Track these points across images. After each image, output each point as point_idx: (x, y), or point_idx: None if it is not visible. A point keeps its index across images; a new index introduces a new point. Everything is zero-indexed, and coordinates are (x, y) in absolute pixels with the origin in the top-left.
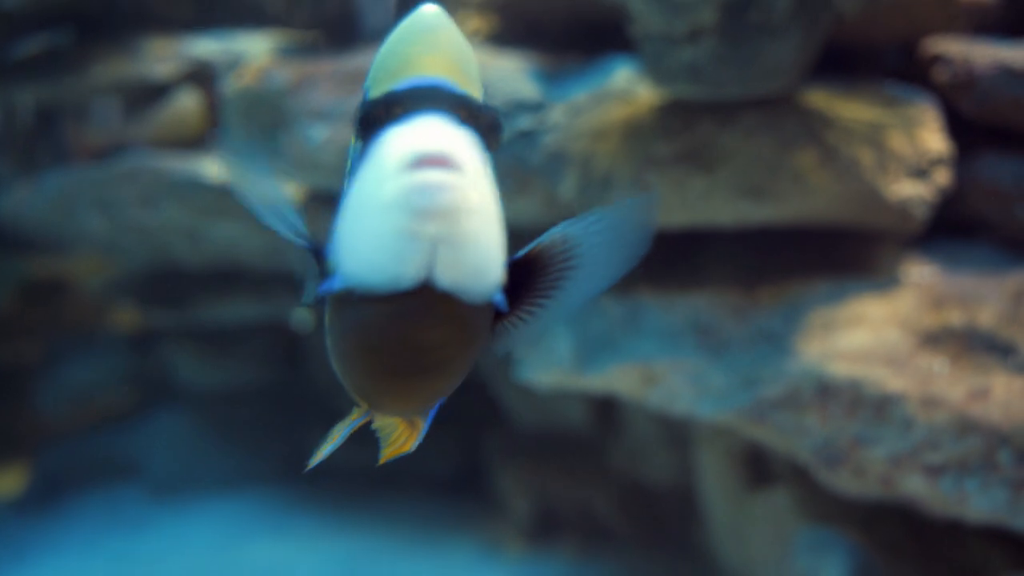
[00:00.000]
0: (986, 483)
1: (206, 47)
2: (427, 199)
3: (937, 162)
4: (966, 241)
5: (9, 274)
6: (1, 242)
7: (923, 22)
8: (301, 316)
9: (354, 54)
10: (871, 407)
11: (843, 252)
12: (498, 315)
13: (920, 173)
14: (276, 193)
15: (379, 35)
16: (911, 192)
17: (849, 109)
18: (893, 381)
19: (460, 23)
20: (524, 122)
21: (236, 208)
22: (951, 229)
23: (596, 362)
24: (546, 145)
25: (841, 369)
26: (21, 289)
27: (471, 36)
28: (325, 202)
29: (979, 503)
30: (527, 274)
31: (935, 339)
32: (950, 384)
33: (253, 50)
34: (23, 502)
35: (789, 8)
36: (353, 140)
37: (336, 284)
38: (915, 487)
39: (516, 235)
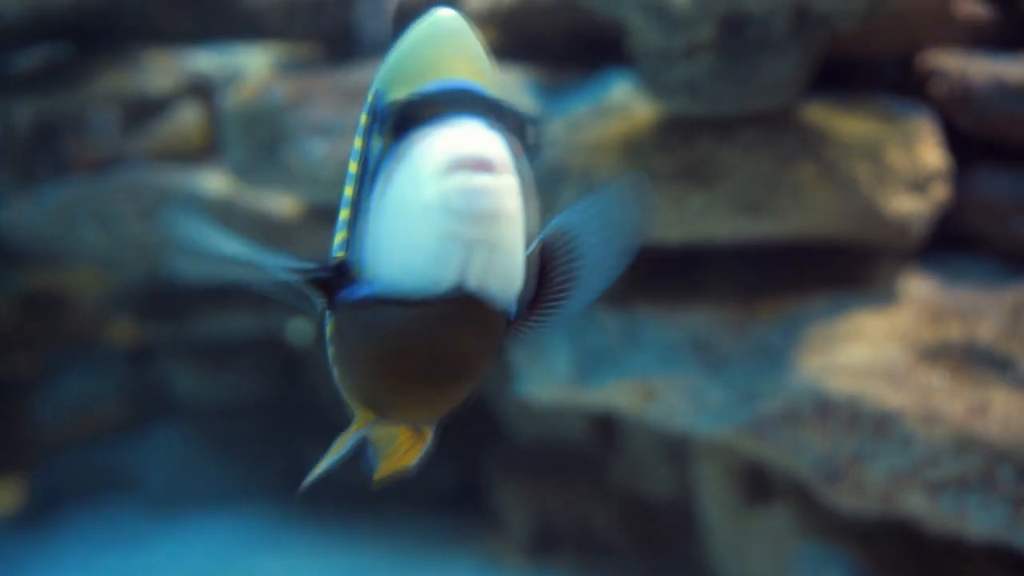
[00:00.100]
0: (986, 500)
1: (205, 61)
2: (471, 202)
3: (935, 177)
4: (964, 255)
5: (7, 287)
6: None
7: (920, 36)
8: (297, 329)
9: (353, 68)
10: (870, 423)
11: (842, 267)
12: (508, 322)
13: (918, 188)
14: (237, 249)
15: (377, 49)
16: (909, 207)
17: (847, 124)
18: (892, 397)
19: None
20: None
21: (235, 221)
22: (950, 243)
23: (595, 377)
24: (545, 159)
25: (840, 385)
26: (19, 302)
27: None
28: (323, 217)
29: (979, 521)
30: (535, 275)
31: (934, 354)
32: (949, 400)
33: (252, 64)
34: (20, 517)
35: (786, 25)
36: (362, 142)
37: (364, 290)
38: (915, 504)
39: None
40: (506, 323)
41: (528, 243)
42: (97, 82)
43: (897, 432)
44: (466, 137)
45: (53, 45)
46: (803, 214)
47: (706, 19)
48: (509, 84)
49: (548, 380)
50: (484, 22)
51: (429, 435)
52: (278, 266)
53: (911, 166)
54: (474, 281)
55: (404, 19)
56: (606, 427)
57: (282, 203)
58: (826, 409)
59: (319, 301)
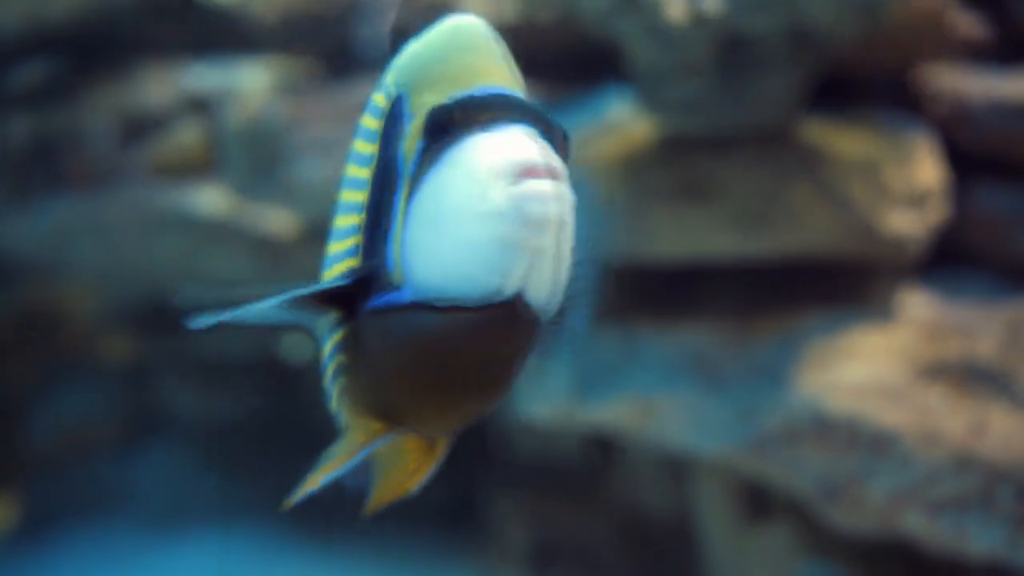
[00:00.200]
0: (986, 520)
1: (204, 76)
2: (539, 209)
3: (932, 194)
4: (964, 271)
5: (2, 302)
6: None
7: (916, 52)
8: (292, 347)
9: (352, 86)
10: (869, 442)
11: (840, 284)
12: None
13: (915, 206)
14: (274, 301)
15: (374, 64)
16: (905, 225)
17: (844, 141)
18: (891, 415)
19: None
20: None
21: (233, 239)
22: (949, 259)
23: (594, 395)
24: None
25: (839, 403)
26: (14, 318)
27: None
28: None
29: (979, 540)
30: None
31: (933, 371)
32: (948, 418)
33: (251, 80)
34: (15, 534)
35: (783, 44)
36: (377, 146)
37: (405, 295)
38: (914, 523)
39: None
40: (540, 331)
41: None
42: (94, 97)
43: (896, 451)
44: (525, 144)
45: (50, 60)
46: (800, 232)
47: (703, 39)
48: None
49: (547, 398)
50: None
51: (441, 451)
52: (298, 293)
53: (908, 184)
54: (526, 287)
55: (401, 36)
56: (605, 443)
57: (280, 221)
58: (825, 427)
59: (331, 313)
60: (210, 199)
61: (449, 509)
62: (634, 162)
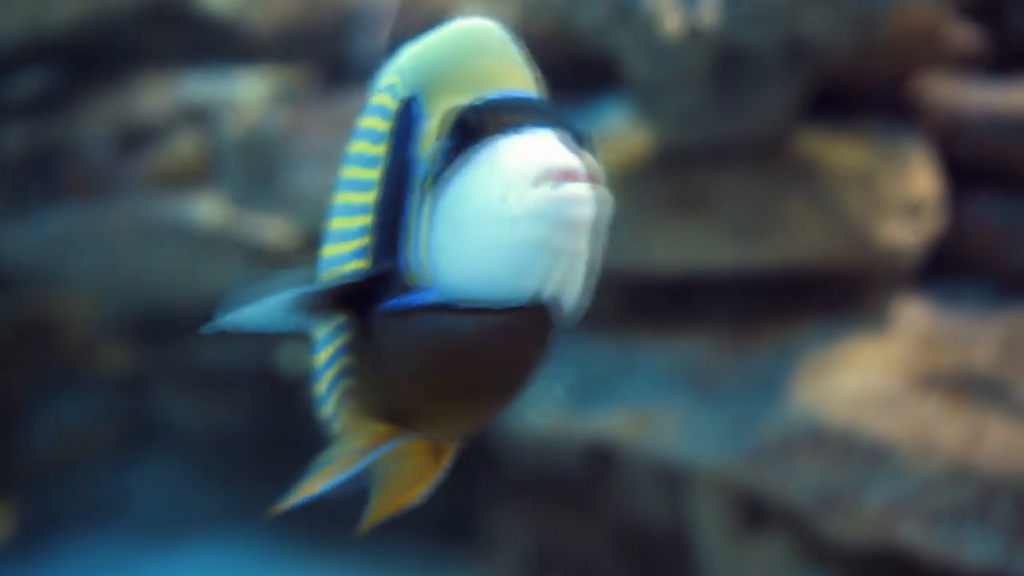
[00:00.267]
0: (982, 530)
1: (201, 86)
2: (577, 212)
3: (927, 205)
4: (960, 281)
5: None
6: None
7: (912, 63)
8: (289, 356)
9: (349, 96)
10: (865, 452)
11: (836, 294)
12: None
13: (910, 216)
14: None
15: (371, 76)
16: (900, 235)
17: (840, 152)
18: (886, 425)
19: None
20: None
21: (230, 249)
22: (946, 269)
23: (591, 406)
24: None
25: (835, 413)
26: (11, 327)
27: None
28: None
29: (975, 551)
30: None
31: (929, 381)
32: (944, 428)
33: (250, 91)
34: (11, 544)
35: (778, 57)
36: (386, 147)
37: (432, 296)
38: (910, 534)
39: None
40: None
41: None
42: (92, 107)
43: (892, 461)
44: (560, 148)
45: (48, 69)
46: (796, 242)
47: (699, 52)
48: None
49: (545, 408)
50: None
51: (448, 459)
52: (313, 289)
53: (903, 194)
54: (552, 290)
55: (398, 46)
56: (603, 453)
57: (277, 231)
58: (821, 438)
59: (338, 314)
60: (207, 209)
61: (447, 518)
62: (631, 173)
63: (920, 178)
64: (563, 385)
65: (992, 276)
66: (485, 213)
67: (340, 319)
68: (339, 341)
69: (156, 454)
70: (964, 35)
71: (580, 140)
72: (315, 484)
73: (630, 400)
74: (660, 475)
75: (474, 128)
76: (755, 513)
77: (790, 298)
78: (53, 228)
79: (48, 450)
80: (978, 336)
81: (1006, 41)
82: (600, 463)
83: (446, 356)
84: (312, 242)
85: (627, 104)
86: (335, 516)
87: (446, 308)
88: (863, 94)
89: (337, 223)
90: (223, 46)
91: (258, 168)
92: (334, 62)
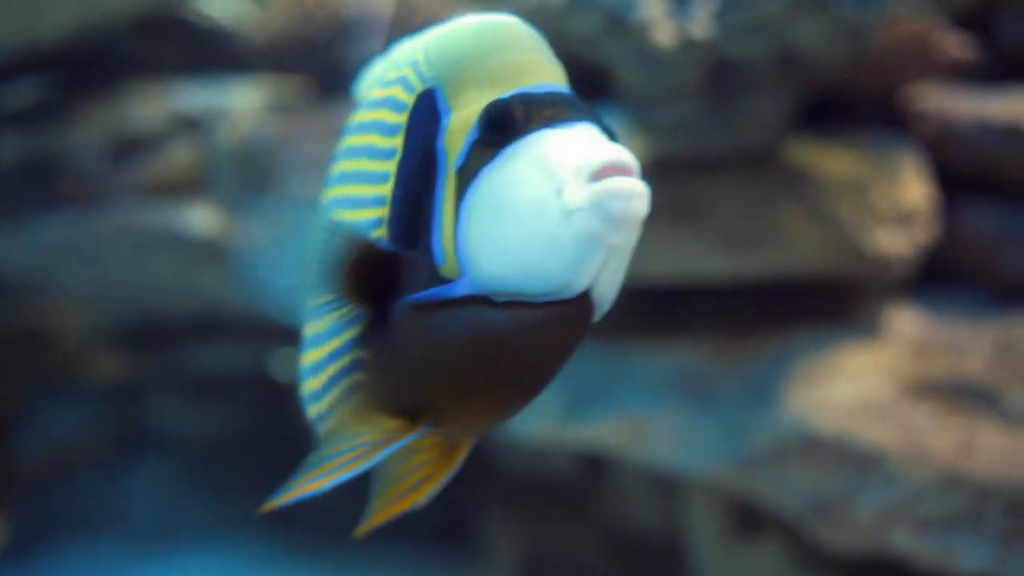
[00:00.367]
0: (974, 538)
1: (195, 96)
2: (623, 206)
3: (919, 213)
4: (953, 289)
5: None
6: None
7: (903, 73)
8: (282, 362)
9: (343, 106)
10: (857, 460)
11: (829, 302)
12: None
13: (902, 224)
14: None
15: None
16: (892, 244)
17: (831, 161)
18: (879, 433)
19: None
20: None
21: (224, 258)
22: (938, 277)
23: (584, 414)
24: None
25: (827, 421)
26: (4, 336)
27: None
28: None
29: (967, 558)
30: None
31: (921, 389)
32: (936, 436)
33: (244, 101)
34: (4, 552)
35: (770, 69)
36: (402, 139)
37: (464, 288)
38: (903, 542)
39: None
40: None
41: None
42: (86, 116)
43: (884, 469)
44: (604, 143)
45: (42, 79)
46: (789, 251)
47: (691, 63)
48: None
49: (538, 416)
50: None
51: (461, 456)
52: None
53: (895, 203)
54: (595, 284)
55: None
56: (596, 459)
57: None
58: (814, 445)
59: (352, 305)
60: (201, 218)
61: (441, 525)
62: None
63: (912, 187)
64: (557, 392)
65: (985, 284)
66: (534, 206)
67: (354, 308)
68: (349, 333)
69: (150, 461)
70: (955, 44)
71: (611, 136)
72: (319, 481)
73: (623, 407)
74: (654, 482)
75: (517, 121)
76: (748, 520)
77: (783, 306)
78: (47, 236)
79: (42, 457)
80: (970, 344)
81: (997, 50)
82: (594, 470)
83: (479, 349)
84: None
85: (622, 113)
86: (329, 521)
87: (483, 301)
88: (855, 103)
89: (358, 214)
90: (218, 56)
91: (251, 177)
92: (329, 72)
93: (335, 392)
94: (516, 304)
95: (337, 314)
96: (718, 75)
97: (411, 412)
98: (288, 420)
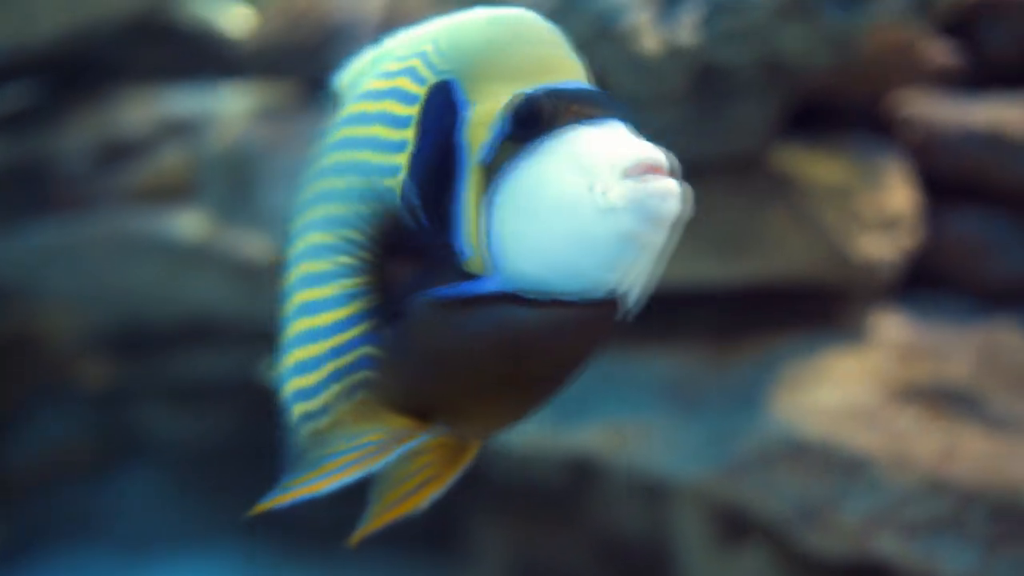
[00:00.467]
0: (958, 543)
1: (184, 101)
2: (662, 205)
3: (904, 219)
4: (938, 294)
5: None
6: None
7: (889, 80)
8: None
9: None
10: (842, 465)
11: (815, 308)
12: None
13: (887, 230)
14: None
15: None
16: (878, 249)
17: (817, 168)
18: (864, 439)
19: None
20: None
21: (211, 264)
22: (923, 283)
23: (571, 420)
24: None
25: (813, 427)
26: None
27: None
28: None
29: (952, 563)
30: None
31: (906, 394)
32: (920, 441)
33: (232, 106)
34: None
35: (756, 76)
36: (414, 132)
37: (493, 285)
38: (887, 547)
39: None
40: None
41: None
42: (75, 121)
43: (869, 474)
44: (637, 141)
45: (31, 84)
46: (775, 257)
47: (678, 70)
48: None
49: (526, 424)
50: None
51: (469, 457)
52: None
53: (880, 209)
54: (629, 284)
55: None
56: (583, 465)
57: (258, 247)
58: (799, 451)
59: (367, 294)
60: (189, 224)
61: (430, 530)
62: None
63: (897, 193)
64: None
65: (969, 289)
66: (568, 203)
67: (360, 305)
68: (359, 329)
69: (138, 468)
70: (940, 52)
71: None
72: (321, 482)
73: (611, 414)
74: (641, 488)
75: (547, 116)
76: (735, 526)
77: (769, 312)
78: (35, 242)
79: (30, 463)
80: (955, 349)
81: (981, 57)
82: (582, 476)
83: (507, 347)
84: None
85: None
86: (318, 525)
87: (512, 298)
88: (841, 110)
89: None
90: (207, 61)
91: (240, 183)
92: (317, 78)
93: (334, 389)
94: (548, 302)
95: (347, 308)
96: (705, 82)
97: (422, 411)
98: (276, 427)
